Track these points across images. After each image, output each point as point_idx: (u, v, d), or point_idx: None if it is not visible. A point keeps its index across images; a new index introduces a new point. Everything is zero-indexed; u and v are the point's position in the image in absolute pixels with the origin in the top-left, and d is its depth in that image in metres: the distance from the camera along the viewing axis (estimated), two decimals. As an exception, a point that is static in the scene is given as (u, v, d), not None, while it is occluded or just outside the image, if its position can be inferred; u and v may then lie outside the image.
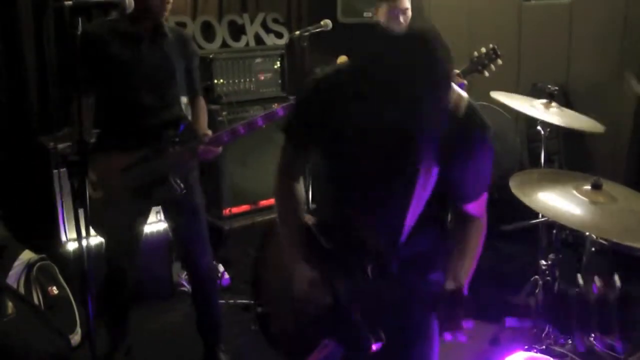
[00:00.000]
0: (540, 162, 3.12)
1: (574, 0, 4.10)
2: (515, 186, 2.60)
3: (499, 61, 3.33)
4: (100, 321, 3.05)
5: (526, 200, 2.54)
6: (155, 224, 3.99)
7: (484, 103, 3.13)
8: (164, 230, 4.02)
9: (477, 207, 1.91)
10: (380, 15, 3.44)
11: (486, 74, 3.36)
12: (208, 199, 4.76)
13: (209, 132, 3.12)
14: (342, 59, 3.94)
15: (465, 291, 1.75)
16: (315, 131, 1.88)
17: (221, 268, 4.28)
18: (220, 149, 3.10)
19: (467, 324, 1.65)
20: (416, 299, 1.78)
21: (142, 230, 3.26)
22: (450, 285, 1.75)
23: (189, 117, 3.20)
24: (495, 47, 3.33)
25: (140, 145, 2.98)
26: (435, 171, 1.73)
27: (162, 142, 2.98)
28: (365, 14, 5.01)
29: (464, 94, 1.77)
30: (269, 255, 2.19)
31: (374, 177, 1.78)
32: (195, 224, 3.24)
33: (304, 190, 2.10)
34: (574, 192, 2.53)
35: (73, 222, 3.78)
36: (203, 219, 3.29)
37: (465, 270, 1.84)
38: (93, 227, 2.95)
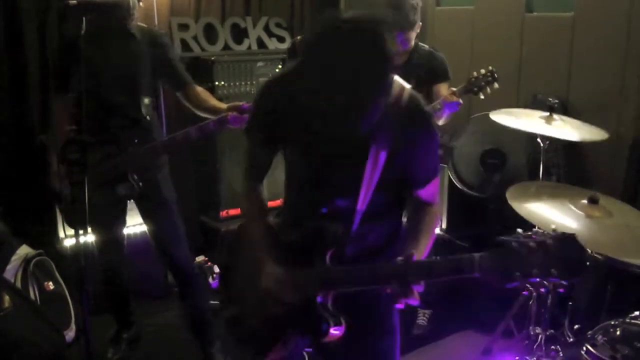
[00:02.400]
0: (539, 175, 3.15)
1: (576, 13, 4.11)
2: (512, 197, 2.63)
3: (496, 85, 3.33)
4: (95, 317, 3.09)
5: (522, 212, 2.56)
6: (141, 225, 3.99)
7: (488, 113, 3.15)
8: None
9: (427, 193, 1.97)
10: None
11: (481, 96, 3.35)
12: (205, 201, 4.83)
13: (223, 106, 3.15)
14: None
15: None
16: (270, 129, 1.98)
17: (217, 269, 4.28)
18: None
19: (418, 288, 1.67)
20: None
21: (123, 223, 3.37)
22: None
23: (149, 118, 3.22)
24: (494, 70, 3.33)
25: (104, 143, 3.06)
26: (383, 156, 1.81)
27: (122, 141, 3.07)
28: (367, 21, 5.02)
29: (406, 84, 1.86)
30: (235, 259, 2.21)
31: (325, 164, 1.89)
32: (166, 219, 3.31)
33: (265, 192, 2.15)
34: (571, 205, 2.56)
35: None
36: (174, 215, 3.34)
37: (418, 254, 1.84)
38: (68, 224, 3.14)
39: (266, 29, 5.07)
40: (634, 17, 3.80)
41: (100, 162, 3.06)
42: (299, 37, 3.68)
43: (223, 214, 4.66)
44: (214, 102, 3.24)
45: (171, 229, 3.32)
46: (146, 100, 3.20)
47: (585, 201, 2.56)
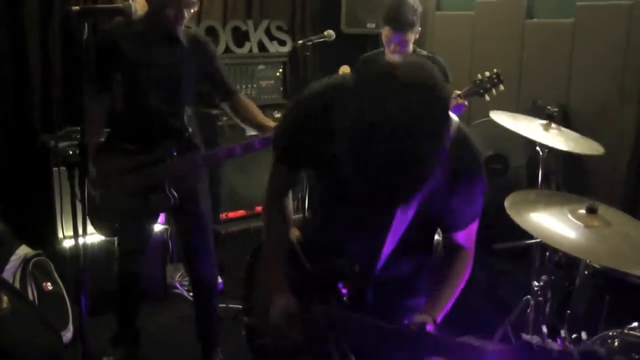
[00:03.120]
0: (538, 182, 3.15)
1: (577, 20, 4.12)
2: (510, 206, 2.60)
3: (501, 87, 3.36)
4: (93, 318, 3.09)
5: (519, 220, 2.51)
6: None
7: (490, 119, 3.16)
8: (159, 231, 4.04)
9: (465, 237, 1.85)
10: (383, 35, 3.44)
11: (487, 98, 3.38)
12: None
13: (270, 123, 3.06)
14: (344, 68, 3.97)
15: (431, 327, 1.66)
16: (304, 153, 1.82)
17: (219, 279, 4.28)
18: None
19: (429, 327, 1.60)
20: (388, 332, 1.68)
21: (151, 231, 3.32)
22: (420, 318, 1.69)
23: (191, 129, 3.12)
24: (499, 72, 3.35)
25: (141, 151, 2.98)
26: (417, 198, 1.66)
27: (162, 151, 2.96)
28: (368, 25, 5.04)
29: (455, 117, 1.67)
30: (261, 266, 2.16)
31: (356, 203, 1.63)
32: (198, 233, 3.24)
33: (291, 206, 2.05)
34: (569, 215, 2.54)
35: (70, 220, 3.88)
36: (208, 229, 3.28)
37: (442, 302, 1.79)
38: (96, 226, 3.07)
39: (267, 32, 5.06)
40: (634, 24, 3.81)
41: (136, 171, 2.97)
42: (300, 42, 3.68)
43: (222, 216, 4.64)
44: (261, 117, 3.12)
45: (204, 244, 3.27)
46: (189, 110, 3.10)
47: (583, 211, 2.55)
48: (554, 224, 2.48)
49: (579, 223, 2.48)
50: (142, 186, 2.98)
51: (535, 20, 4.44)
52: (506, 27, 4.54)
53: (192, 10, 2.89)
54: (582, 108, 4.11)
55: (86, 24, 2.10)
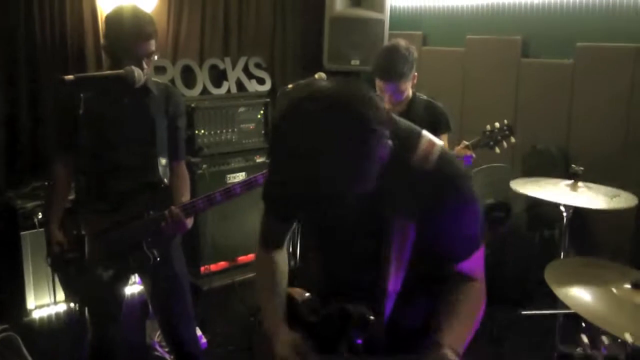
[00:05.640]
0: (561, 249, 2.95)
1: (577, 60, 3.98)
2: (551, 279, 2.42)
3: (512, 139, 3.18)
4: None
5: (562, 296, 2.36)
6: (129, 286, 3.69)
7: (500, 164, 2.96)
8: (138, 292, 3.81)
9: (469, 266, 1.73)
10: (376, 87, 3.27)
11: (497, 150, 3.21)
12: (185, 256, 4.53)
13: (180, 208, 2.86)
14: (320, 74, 3.75)
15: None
16: (281, 206, 1.78)
17: (198, 331, 4.00)
18: (189, 223, 2.85)
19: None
20: None
21: (123, 295, 3.06)
22: (441, 353, 1.58)
23: (166, 181, 2.94)
24: (510, 123, 3.18)
25: (115, 209, 2.79)
26: (412, 229, 1.61)
27: (137, 207, 2.79)
28: (352, 62, 4.87)
29: (438, 141, 1.64)
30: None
31: (341, 245, 1.72)
32: (175, 295, 3.03)
33: (286, 258, 2.00)
34: (613, 289, 2.37)
35: (41, 288, 3.56)
36: (185, 290, 3.07)
37: (462, 333, 1.67)
38: (68, 293, 2.90)
39: (245, 69, 4.84)
40: (638, 63, 3.68)
41: (109, 231, 2.77)
42: (289, 86, 3.41)
43: (203, 269, 4.37)
44: (183, 197, 2.93)
45: (181, 308, 3.04)
46: (163, 161, 2.90)
47: (628, 285, 2.37)
48: (599, 301, 2.31)
49: (625, 299, 2.31)
50: (120, 247, 2.78)
51: (531, 59, 4.27)
52: (500, 66, 4.37)
53: (152, 59, 2.74)
54: (584, 152, 3.95)
55: (82, 96, 1.86)
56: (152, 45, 2.72)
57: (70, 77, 1.99)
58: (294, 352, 1.73)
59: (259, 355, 2.09)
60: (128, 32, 2.66)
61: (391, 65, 3.13)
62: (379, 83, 3.21)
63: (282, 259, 1.96)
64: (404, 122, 1.68)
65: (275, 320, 1.84)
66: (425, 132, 1.63)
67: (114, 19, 2.74)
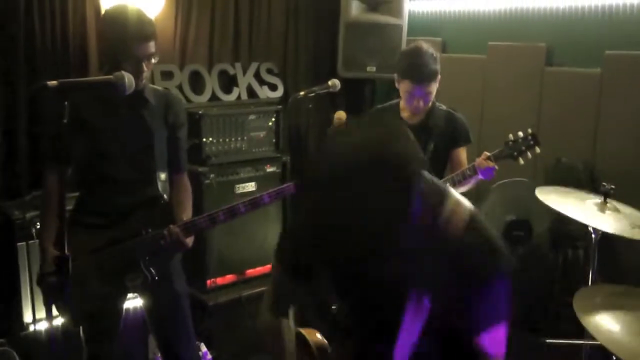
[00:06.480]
0: (589, 274, 2.75)
1: (604, 70, 3.81)
2: (580, 309, 2.27)
3: (537, 149, 3.00)
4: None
5: (590, 326, 2.21)
6: (131, 300, 3.58)
7: (521, 179, 2.77)
8: (140, 306, 3.60)
9: (490, 342, 1.56)
10: (401, 90, 3.15)
11: (521, 161, 3.02)
12: (190, 269, 4.39)
13: (179, 228, 2.76)
14: (340, 114, 3.61)
15: None
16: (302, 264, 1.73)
17: (203, 348, 3.88)
18: (190, 242, 2.74)
19: None
20: None
21: (121, 310, 2.94)
22: None
23: (166, 196, 2.83)
24: (535, 133, 3.00)
25: (110, 226, 2.70)
26: (426, 301, 1.49)
27: (135, 224, 2.68)
28: (368, 69, 4.71)
29: (467, 203, 1.51)
30: None
31: (355, 310, 1.70)
32: (175, 315, 2.93)
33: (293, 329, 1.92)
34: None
35: (38, 301, 3.43)
36: (186, 310, 2.98)
37: None
38: (60, 309, 2.69)
39: (257, 75, 4.68)
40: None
41: (106, 248, 2.68)
42: (301, 94, 3.26)
43: (209, 283, 4.21)
44: (185, 212, 2.82)
45: (180, 328, 2.93)
46: (162, 176, 2.79)
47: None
48: (631, 333, 2.15)
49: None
50: (115, 265, 2.69)
51: (555, 67, 4.09)
52: (523, 74, 4.20)
53: (152, 62, 2.65)
54: (610, 166, 3.77)
55: (66, 103, 1.80)
56: (152, 47, 2.62)
57: (54, 82, 1.85)
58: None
59: None
60: (127, 32, 2.56)
61: (423, 65, 3.03)
62: (407, 86, 3.09)
63: (291, 327, 1.90)
64: (429, 176, 1.51)
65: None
66: (452, 191, 1.52)
67: (111, 18, 2.64)
